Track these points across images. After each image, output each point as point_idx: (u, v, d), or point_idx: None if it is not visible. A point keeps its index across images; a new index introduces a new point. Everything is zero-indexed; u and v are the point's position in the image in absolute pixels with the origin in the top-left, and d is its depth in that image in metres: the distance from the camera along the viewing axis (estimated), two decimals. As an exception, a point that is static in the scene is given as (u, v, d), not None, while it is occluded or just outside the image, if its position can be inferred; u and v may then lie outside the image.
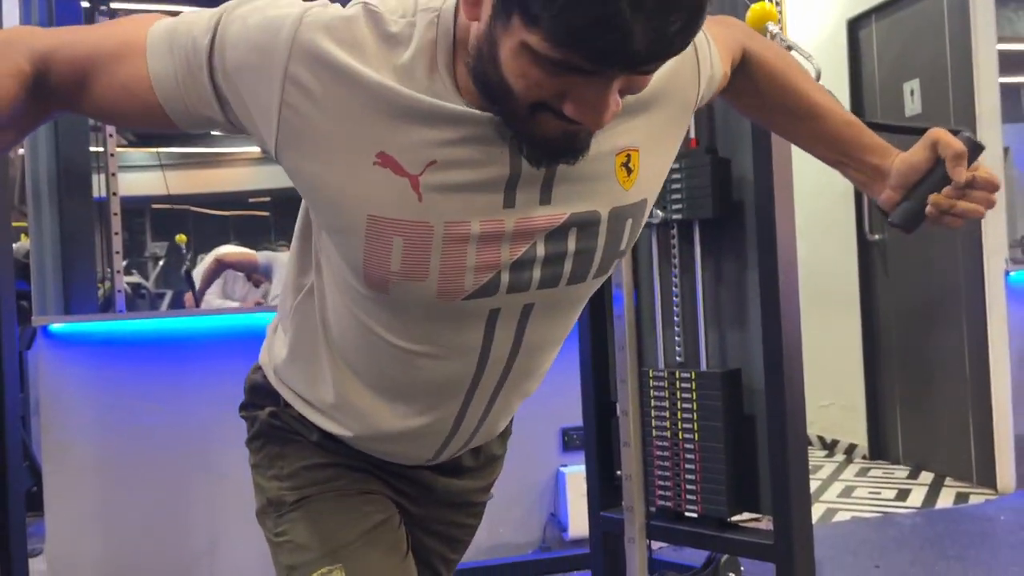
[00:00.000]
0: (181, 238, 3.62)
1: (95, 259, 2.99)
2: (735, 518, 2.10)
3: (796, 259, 1.97)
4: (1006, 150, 3.75)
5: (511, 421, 1.11)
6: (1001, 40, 3.56)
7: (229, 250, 3.44)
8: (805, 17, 4.42)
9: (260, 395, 1.00)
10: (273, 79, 0.71)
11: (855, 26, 4.19)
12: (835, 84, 4.19)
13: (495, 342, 0.84)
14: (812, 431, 4.52)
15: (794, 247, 1.96)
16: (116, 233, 3.16)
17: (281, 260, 3.72)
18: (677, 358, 2.16)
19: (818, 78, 1.12)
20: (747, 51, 0.97)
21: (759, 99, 1.01)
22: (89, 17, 2.98)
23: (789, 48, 1.22)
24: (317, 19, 0.71)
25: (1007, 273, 3.43)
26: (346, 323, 0.86)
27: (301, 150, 0.73)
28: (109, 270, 3.15)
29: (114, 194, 3.08)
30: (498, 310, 0.81)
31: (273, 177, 4.77)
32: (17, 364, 2.09)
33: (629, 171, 0.80)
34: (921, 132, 0.94)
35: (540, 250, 0.78)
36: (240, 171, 5.32)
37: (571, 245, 0.79)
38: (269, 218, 5.19)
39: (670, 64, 0.79)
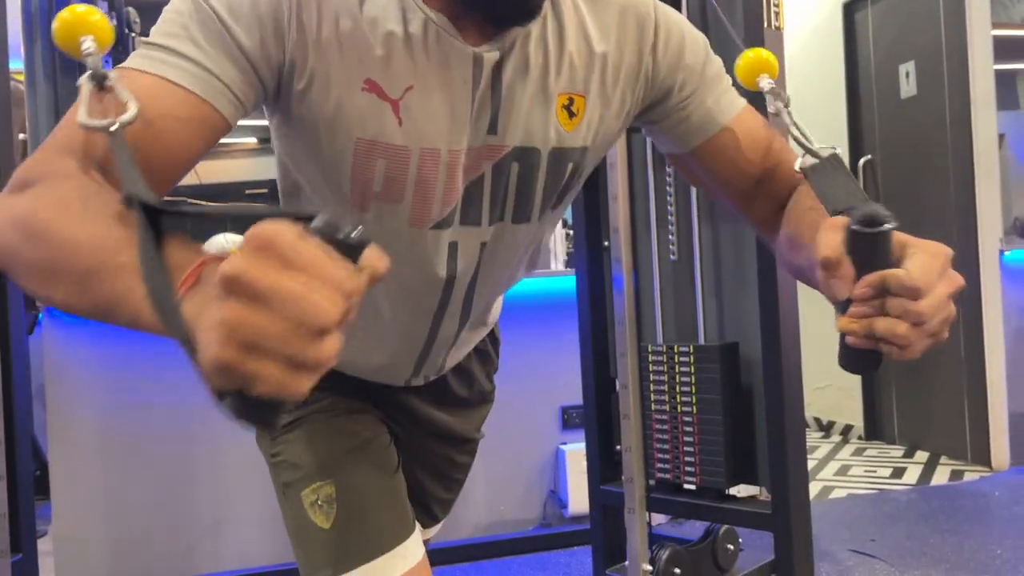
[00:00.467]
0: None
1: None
2: (733, 490, 2.13)
3: None
4: (1001, 136, 3.77)
5: (497, 357, 1.17)
6: (996, 27, 3.58)
7: None
8: (802, 0, 4.45)
9: None
10: (279, 26, 0.74)
11: (851, 9, 4.22)
12: (831, 67, 4.22)
13: (458, 273, 0.89)
14: (809, 413, 4.56)
15: None
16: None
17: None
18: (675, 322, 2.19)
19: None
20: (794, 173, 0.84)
21: (775, 217, 0.89)
22: None
23: (778, 111, 0.87)
24: None
25: (1001, 252, 3.46)
26: None
27: (301, 86, 0.77)
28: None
29: (115, 178, 3.11)
30: (456, 243, 0.87)
31: (271, 168, 4.79)
32: (26, 348, 2.10)
33: (572, 114, 0.84)
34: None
35: (488, 181, 0.84)
36: (238, 163, 5.33)
37: (513, 179, 0.85)
38: (266, 209, 5.21)
39: (618, 29, 0.85)
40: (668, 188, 2.19)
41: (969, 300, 3.58)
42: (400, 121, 0.79)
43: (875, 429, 4.18)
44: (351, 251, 0.45)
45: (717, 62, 0.91)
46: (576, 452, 2.77)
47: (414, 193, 0.82)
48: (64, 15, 0.73)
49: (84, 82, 0.65)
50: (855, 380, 4.24)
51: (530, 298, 2.79)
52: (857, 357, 0.65)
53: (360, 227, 0.45)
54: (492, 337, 1.16)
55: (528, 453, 2.87)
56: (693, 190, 2.13)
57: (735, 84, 0.94)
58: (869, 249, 0.62)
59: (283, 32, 0.74)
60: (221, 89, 0.72)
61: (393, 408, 1.05)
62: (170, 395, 2.53)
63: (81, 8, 0.74)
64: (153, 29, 0.73)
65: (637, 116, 0.91)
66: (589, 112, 0.85)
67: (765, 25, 2.01)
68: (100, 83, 0.65)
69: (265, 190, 5.38)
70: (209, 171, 5.55)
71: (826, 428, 4.47)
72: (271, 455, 0.99)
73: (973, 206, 3.52)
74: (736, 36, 1.93)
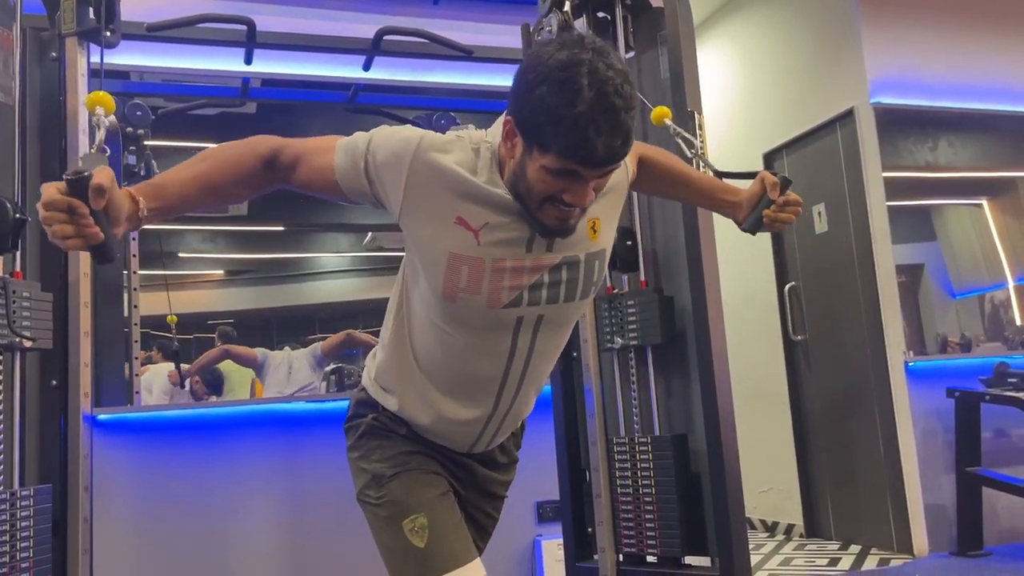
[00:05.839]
0: (172, 319, 3.98)
1: (123, 360, 3.38)
2: (688, 560, 2.54)
3: (727, 359, 2.49)
4: (921, 266, 4.40)
5: (522, 436, 1.60)
6: (888, 169, 4.25)
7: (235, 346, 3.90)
8: (727, 151, 5.16)
9: (364, 407, 1.48)
10: (401, 171, 1.24)
11: (770, 158, 4.92)
12: (756, 207, 4.87)
13: (518, 344, 1.34)
14: (754, 515, 4.97)
15: (725, 355, 2.49)
16: (136, 340, 3.57)
17: (274, 358, 4.15)
18: (635, 427, 2.64)
19: (698, 150, 1.82)
20: (643, 156, 1.56)
21: (655, 181, 1.60)
22: None
23: (677, 133, 1.87)
24: (429, 140, 1.25)
25: (907, 363, 4.02)
26: (425, 326, 1.36)
27: (414, 214, 1.25)
28: (130, 369, 3.54)
29: (135, 307, 3.52)
30: (521, 318, 1.32)
31: (235, 299, 5.17)
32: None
33: (595, 231, 1.33)
34: (754, 175, 1.57)
35: (546, 278, 1.30)
36: (206, 293, 5.69)
37: (564, 275, 1.31)
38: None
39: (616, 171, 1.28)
40: (629, 347, 2.69)
41: (882, 405, 4.11)
42: (479, 243, 1.25)
43: (814, 527, 4.61)
44: (78, 181, 1.02)
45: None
46: (552, 543, 3.15)
47: (488, 288, 1.27)
48: (92, 95, 1.38)
49: None
50: (794, 483, 4.69)
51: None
52: (756, 225, 1.55)
53: (84, 172, 1.02)
54: (521, 424, 1.60)
55: (507, 544, 3.22)
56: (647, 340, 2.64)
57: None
58: (784, 185, 1.51)
59: (400, 188, 1.24)
60: (348, 186, 1.28)
61: (458, 468, 1.48)
62: (195, 495, 2.87)
63: (102, 93, 1.46)
64: (356, 134, 1.29)
65: None
66: (604, 228, 1.35)
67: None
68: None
69: (231, 320, 5.72)
70: (180, 301, 5.90)
71: (771, 528, 4.87)
72: (377, 497, 1.38)
73: (881, 325, 4.11)
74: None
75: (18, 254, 2.20)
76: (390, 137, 1.26)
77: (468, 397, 1.39)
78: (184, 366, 3.88)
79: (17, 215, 2.13)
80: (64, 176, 1.03)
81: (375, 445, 1.44)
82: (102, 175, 1.03)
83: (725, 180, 1.65)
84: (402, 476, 1.39)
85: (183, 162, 1.24)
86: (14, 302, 2.10)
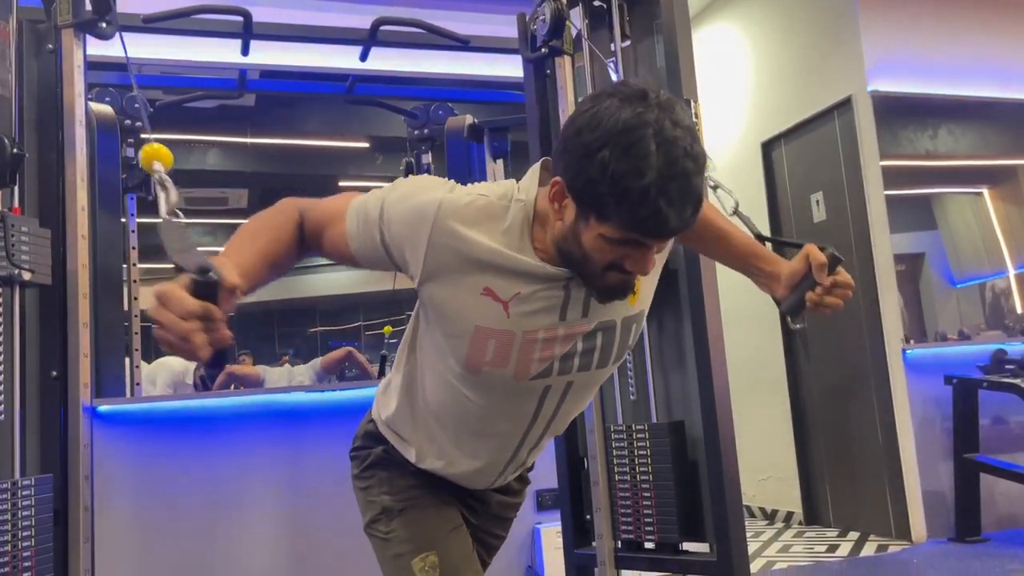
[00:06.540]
0: None
1: (123, 352, 3.39)
2: (685, 545, 2.55)
3: (722, 332, 2.51)
4: (921, 255, 4.41)
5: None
6: (886, 158, 4.25)
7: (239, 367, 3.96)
8: (726, 140, 5.17)
9: (373, 439, 1.43)
10: (420, 244, 1.12)
11: (768, 148, 4.93)
12: (754, 196, 4.88)
13: (543, 409, 1.29)
14: (753, 503, 4.99)
15: (719, 323, 2.50)
16: (136, 332, 3.58)
17: (272, 374, 4.18)
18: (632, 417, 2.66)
19: (737, 207, 1.53)
20: None
21: (688, 231, 1.42)
22: None
23: (715, 187, 1.58)
24: (449, 206, 1.11)
25: (904, 351, 4.03)
26: (444, 392, 1.29)
27: (435, 285, 1.15)
28: (130, 361, 3.56)
29: (135, 299, 3.54)
30: (549, 387, 1.24)
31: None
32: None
33: (634, 294, 1.20)
34: (799, 246, 1.32)
35: (579, 346, 1.20)
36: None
37: (598, 341, 1.22)
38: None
39: None
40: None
41: (880, 393, 4.12)
42: (508, 315, 1.14)
43: (813, 514, 4.63)
44: (209, 284, 0.89)
45: None
46: (551, 530, 3.16)
47: (517, 360, 1.17)
48: (146, 148, 1.30)
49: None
50: (793, 471, 4.71)
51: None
52: (798, 308, 1.31)
53: (211, 270, 0.90)
54: None
55: (507, 533, 3.24)
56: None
57: None
58: (833, 264, 1.27)
59: (419, 262, 1.13)
60: (364, 256, 1.18)
61: (474, 501, 1.44)
62: (194, 487, 2.89)
63: (156, 145, 1.32)
64: (368, 198, 1.17)
65: None
66: (644, 288, 1.24)
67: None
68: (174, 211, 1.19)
69: (232, 313, 5.71)
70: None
71: (770, 516, 4.89)
72: (386, 532, 1.34)
73: (879, 314, 4.12)
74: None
75: (16, 189, 2.19)
76: (404, 203, 1.14)
77: (484, 451, 1.34)
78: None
79: (15, 150, 2.12)
80: (194, 278, 0.89)
81: (384, 476, 1.39)
82: (232, 274, 0.93)
83: (766, 244, 1.44)
84: (412, 511, 1.34)
85: (234, 242, 1.11)
86: (12, 235, 2.10)
